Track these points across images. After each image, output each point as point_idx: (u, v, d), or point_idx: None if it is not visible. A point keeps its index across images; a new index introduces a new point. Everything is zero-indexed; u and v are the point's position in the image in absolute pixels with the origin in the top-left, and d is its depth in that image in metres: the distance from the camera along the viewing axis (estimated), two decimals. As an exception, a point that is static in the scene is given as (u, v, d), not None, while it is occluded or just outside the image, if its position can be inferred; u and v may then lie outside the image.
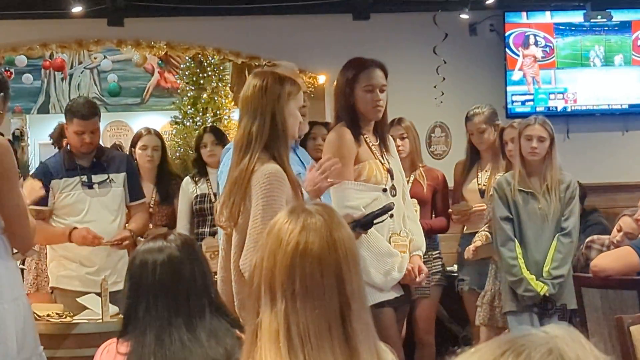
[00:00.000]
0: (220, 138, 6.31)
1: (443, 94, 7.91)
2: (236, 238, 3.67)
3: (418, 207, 5.43)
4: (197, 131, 7.59)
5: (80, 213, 5.25)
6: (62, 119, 5.93)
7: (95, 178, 5.29)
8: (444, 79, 7.88)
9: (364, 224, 4.07)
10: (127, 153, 6.45)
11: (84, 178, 5.26)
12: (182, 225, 6.08)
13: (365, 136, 4.57)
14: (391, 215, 4.50)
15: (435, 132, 8.14)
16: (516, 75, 8.08)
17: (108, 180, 5.31)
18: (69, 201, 5.26)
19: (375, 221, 4.12)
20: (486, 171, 5.96)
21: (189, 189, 6.16)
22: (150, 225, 5.93)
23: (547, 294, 5.09)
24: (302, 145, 5.29)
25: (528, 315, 5.17)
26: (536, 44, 8.11)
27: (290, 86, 3.77)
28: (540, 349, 1.09)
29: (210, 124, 8.93)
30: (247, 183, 3.61)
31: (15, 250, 3.93)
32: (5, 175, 3.64)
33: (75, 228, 5.13)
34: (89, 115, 5.24)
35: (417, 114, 7.28)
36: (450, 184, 6.23)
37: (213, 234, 5.84)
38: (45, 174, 5.26)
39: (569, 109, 8.14)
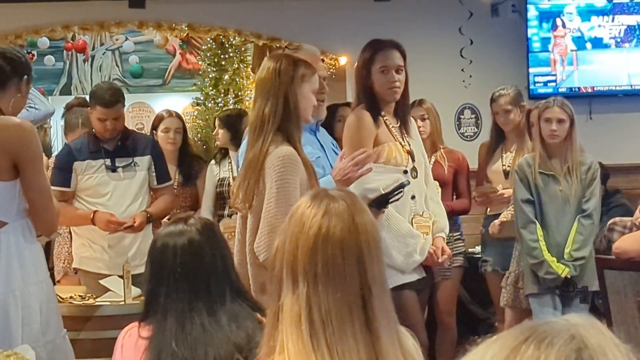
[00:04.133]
0: (228, 125, 6.33)
1: (471, 76, 7.86)
2: (251, 220, 3.68)
3: (439, 189, 5.43)
4: (218, 112, 7.60)
5: (103, 196, 5.25)
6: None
7: (119, 162, 5.26)
8: (471, 61, 7.83)
9: (379, 203, 4.04)
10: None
11: (107, 162, 5.25)
12: (207, 207, 6.14)
13: (385, 118, 4.56)
14: (412, 197, 4.49)
15: (465, 114, 8.09)
16: (541, 55, 8.01)
17: (132, 164, 5.29)
18: (91, 183, 5.25)
19: (390, 199, 4.09)
20: (511, 152, 5.94)
21: (213, 172, 6.25)
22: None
23: (569, 276, 5.09)
24: (330, 127, 5.30)
25: (550, 297, 5.16)
26: (563, 25, 8.04)
27: (304, 69, 3.77)
28: (562, 336, 1.10)
29: (232, 105, 8.94)
30: (261, 165, 3.62)
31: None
32: (30, 159, 3.65)
33: (96, 211, 5.15)
34: (112, 102, 5.17)
35: (443, 95, 7.26)
36: (475, 165, 6.22)
37: (231, 215, 5.89)
38: (69, 156, 5.28)
39: (591, 90, 8.07)
